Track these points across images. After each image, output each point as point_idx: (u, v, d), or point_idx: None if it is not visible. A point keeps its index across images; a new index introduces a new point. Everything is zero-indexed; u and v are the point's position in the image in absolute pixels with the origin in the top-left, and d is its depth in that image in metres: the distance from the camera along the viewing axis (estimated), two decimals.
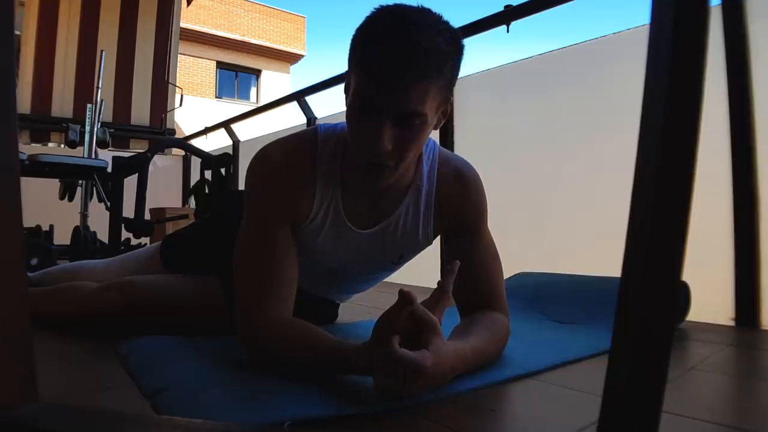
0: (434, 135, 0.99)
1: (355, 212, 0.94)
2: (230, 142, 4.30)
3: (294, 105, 3.43)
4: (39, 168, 2.62)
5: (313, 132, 0.94)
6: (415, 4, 0.78)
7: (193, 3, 9.21)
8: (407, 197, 0.95)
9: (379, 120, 0.76)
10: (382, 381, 0.67)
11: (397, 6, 0.78)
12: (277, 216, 0.89)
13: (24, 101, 4.40)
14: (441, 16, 0.78)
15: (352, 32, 0.81)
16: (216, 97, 13.80)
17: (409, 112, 0.76)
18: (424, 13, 0.77)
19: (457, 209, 0.96)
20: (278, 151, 0.91)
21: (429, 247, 1.04)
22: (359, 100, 0.77)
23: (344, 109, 0.83)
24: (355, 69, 0.78)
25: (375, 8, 0.78)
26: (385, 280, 1.18)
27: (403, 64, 0.72)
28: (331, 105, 2.99)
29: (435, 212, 0.97)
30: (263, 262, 0.86)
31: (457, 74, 0.81)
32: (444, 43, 0.75)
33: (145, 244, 3.00)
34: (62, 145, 4.17)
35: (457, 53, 0.79)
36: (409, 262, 1.07)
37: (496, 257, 0.98)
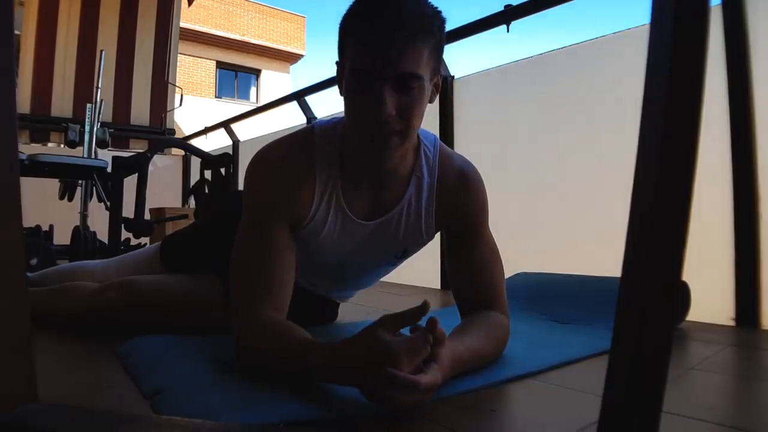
0: (435, 134, 1.00)
1: (357, 204, 0.94)
2: (230, 142, 4.29)
3: (294, 105, 3.43)
4: (39, 168, 2.61)
5: (310, 129, 0.94)
6: None
7: (193, 3, 9.19)
8: (409, 189, 0.95)
9: (378, 87, 0.77)
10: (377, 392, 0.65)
11: None
12: (275, 217, 0.88)
13: (24, 101, 4.39)
14: None
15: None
16: (216, 97, 13.79)
17: (406, 74, 0.77)
18: None
19: (458, 207, 0.96)
20: (276, 151, 0.91)
21: (429, 248, 1.03)
22: (356, 73, 0.79)
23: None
24: (348, 46, 0.81)
25: None
26: (384, 279, 1.18)
27: (391, 25, 0.75)
28: (331, 105, 3.00)
29: (437, 205, 0.97)
30: (257, 264, 0.86)
31: (444, 41, 0.83)
32: (427, 8, 0.79)
33: (145, 244, 3.00)
34: (62, 145, 4.17)
35: (441, 18, 0.81)
36: (409, 263, 1.07)
37: (497, 257, 0.99)
